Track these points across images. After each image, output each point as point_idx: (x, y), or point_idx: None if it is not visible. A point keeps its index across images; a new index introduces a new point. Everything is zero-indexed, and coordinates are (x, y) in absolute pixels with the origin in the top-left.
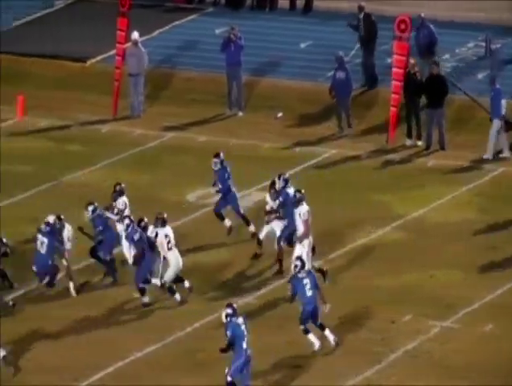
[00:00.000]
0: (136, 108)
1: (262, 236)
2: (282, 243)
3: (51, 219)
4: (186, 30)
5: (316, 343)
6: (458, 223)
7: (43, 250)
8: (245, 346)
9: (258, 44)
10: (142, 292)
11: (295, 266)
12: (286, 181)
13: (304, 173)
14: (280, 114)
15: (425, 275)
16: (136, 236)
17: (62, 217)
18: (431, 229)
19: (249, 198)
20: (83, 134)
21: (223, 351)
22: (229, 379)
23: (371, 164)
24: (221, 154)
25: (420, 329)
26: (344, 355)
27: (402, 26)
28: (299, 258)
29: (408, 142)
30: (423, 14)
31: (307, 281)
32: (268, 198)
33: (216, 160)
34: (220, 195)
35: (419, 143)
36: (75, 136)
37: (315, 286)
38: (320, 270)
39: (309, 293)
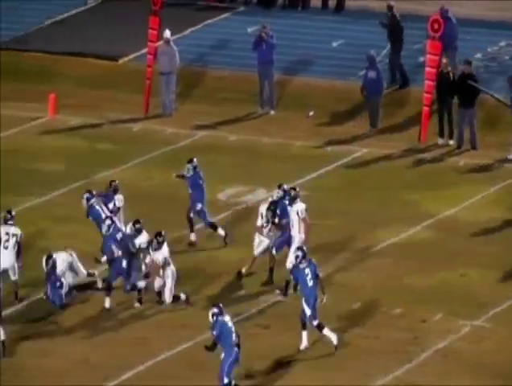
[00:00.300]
0: (168, 106)
1: (257, 252)
2: (273, 251)
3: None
4: (218, 29)
5: (305, 342)
6: (489, 223)
7: None
8: (233, 343)
9: (290, 43)
10: (108, 292)
11: (296, 257)
12: (285, 191)
13: (336, 172)
14: (312, 113)
15: (456, 274)
16: (119, 236)
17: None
18: (462, 228)
19: None
20: (114, 133)
21: (208, 349)
22: (225, 381)
23: (403, 163)
24: (195, 160)
25: (451, 328)
26: (374, 354)
27: (436, 26)
28: (300, 248)
29: (440, 141)
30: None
31: (308, 271)
32: (263, 211)
33: (189, 166)
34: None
35: (451, 142)
36: (106, 134)
37: (315, 276)
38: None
39: (310, 283)
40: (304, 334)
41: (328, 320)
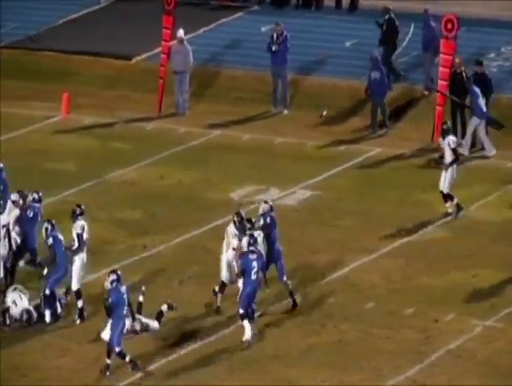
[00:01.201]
0: (181, 105)
1: (223, 276)
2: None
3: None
4: (231, 29)
5: (249, 334)
6: (502, 223)
7: None
8: (123, 313)
9: (303, 42)
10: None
11: (249, 243)
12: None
13: (348, 171)
14: (325, 112)
15: (468, 274)
16: (49, 241)
17: None
18: (476, 228)
19: (294, 196)
20: (128, 132)
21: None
22: (117, 349)
23: (416, 163)
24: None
25: (463, 328)
26: (386, 354)
27: (449, 26)
28: (252, 236)
29: None
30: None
31: (255, 264)
32: (233, 230)
33: None
34: None
35: (463, 142)
36: (120, 133)
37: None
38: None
39: (254, 276)
40: (246, 323)
41: (340, 320)
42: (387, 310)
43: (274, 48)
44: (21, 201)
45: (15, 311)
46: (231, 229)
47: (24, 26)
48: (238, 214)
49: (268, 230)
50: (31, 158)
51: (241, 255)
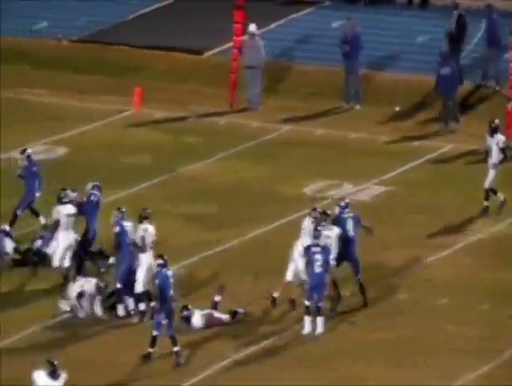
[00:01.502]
0: (254, 100)
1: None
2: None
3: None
4: (302, 24)
5: (308, 329)
6: None
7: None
8: (169, 297)
9: (375, 38)
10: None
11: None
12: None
13: (422, 167)
14: (397, 108)
15: None
16: (116, 229)
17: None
18: None
19: (367, 191)
20: (200, 126)
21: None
22: (154, 333)
23: None
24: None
25: None
26: (458, 351)
27: None
28: (317, 229)
29: None
30: None
31: (319, 257)
32: (308, 225)
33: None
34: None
35: None
36: (192, 128)
37: (326, 263)
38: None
39: (318, 269)
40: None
41: (411, 316)
42: (460, 306)
43: (345, 49)
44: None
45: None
46: (307, 224)
47: (95, 20)
48: (315, 210)
49: (343, 227)
50: (105, 151)
51: (305, 248)
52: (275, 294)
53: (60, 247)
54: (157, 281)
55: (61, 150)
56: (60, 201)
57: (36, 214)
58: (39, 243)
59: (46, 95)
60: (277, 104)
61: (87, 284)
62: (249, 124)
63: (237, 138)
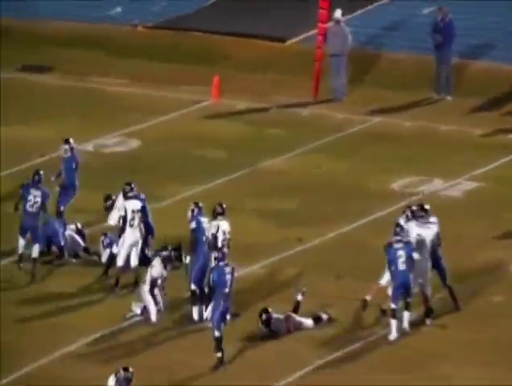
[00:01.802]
0: (339, 90)
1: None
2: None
3: None
4: (391, 10)
5: (395, 334)
6: None
7: None
8: (225, 294)
9: (468, 26)
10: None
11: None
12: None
13: None
14: (449, 97)
15: None
16: (192, 225)
17: None
18: None
19: (459, 187)
20: (282, 118)
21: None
22: (216, 334)
23: None
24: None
25: None
26: None
27: None
28: (398, 225)
29: None
30: None
31: (401, 253)
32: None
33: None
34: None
35: None
36: (273, 119)
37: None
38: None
39: (401, 266)
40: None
41: (502, 318)
42: None
43: (437, 39)
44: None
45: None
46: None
47: (174, 6)
48: (410, 207)
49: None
50: (179, 143)
51: (386, 245)
52: (368, 297)
53: (126, 245)
54: (212, 277)
55: (134, 143)
56: (126, 196)
57: (60, 214)
58: (106, 241)
59: (119, 84)
60: (363, 95)
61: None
62: (334, 115)
63: (321, 130)
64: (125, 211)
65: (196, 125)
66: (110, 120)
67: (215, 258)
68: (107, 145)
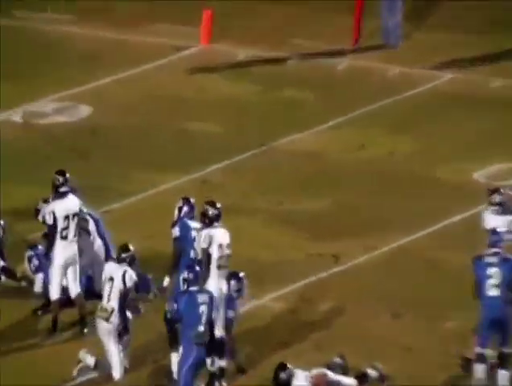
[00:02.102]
0: (391, 33)
1: None
2: None
3: None
4: None
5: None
6: None
7: None
8: (198, 336)
9: None
10: None
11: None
12: None
13: None
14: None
15: None
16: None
17: None
18: None
19: None
20: (304, 73)
21: None
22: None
23: None
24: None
25: None
26: None
27: None
28: (495, 231)
29: None
30: None
31: (493, 271)
32: None
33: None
34: None
35: None
36: (291, 76)
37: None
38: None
39: (491, 291)
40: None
41: None
42: None
43: None
44: None
45: None
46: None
47: None
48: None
49: None
50: (153, 111)
51: (474, 259)
52: (469, 355)
53: (56, 267)
54: (177, 307)
55: (84, 110)
56: (56, 192)
57: None
58: (34, 263)
59: (63, 22)
60: (427, 40)
61: None
62: (385, 70)
63: (365, 92)
64: (54, 217)
65: (178, 82)
66: (48, 75)
67: (184, 280)
68: (43, 113)
